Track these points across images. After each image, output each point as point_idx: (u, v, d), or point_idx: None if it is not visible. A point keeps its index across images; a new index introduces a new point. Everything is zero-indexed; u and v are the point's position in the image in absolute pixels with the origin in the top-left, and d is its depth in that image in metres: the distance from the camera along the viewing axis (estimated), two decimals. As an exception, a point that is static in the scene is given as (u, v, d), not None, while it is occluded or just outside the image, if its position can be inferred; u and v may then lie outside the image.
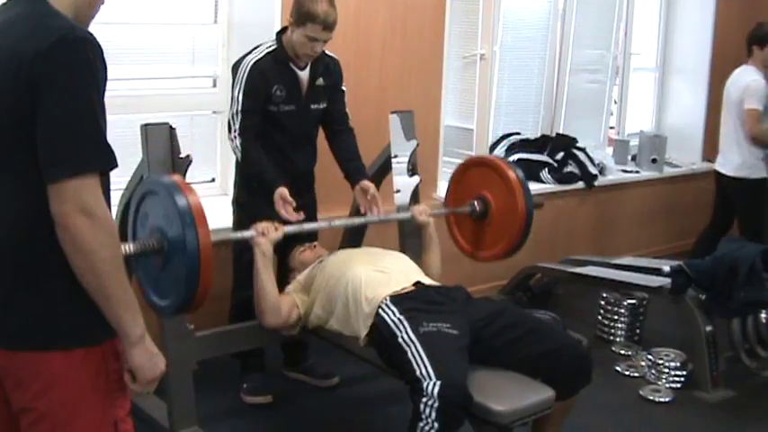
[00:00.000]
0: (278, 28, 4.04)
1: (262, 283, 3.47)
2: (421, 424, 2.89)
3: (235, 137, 3.71)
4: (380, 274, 3.47)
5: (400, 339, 3.12)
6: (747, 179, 5.51)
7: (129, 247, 2.62)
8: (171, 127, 3.48)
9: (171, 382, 3.41)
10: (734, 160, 5.55)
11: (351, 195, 4.27)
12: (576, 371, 3.26)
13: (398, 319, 3.19)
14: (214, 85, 4.61)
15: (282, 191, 3.59)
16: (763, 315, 4.36)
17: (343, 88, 4.05)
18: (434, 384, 2.89)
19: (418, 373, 2.96)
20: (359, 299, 3.38)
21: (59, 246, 1.81)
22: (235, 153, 3.77)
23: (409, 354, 3.05)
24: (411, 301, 3.31)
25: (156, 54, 4.43)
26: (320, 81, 3.90)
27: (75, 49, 1.81)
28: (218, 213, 4.11)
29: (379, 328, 3.25)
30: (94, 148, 1.82)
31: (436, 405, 2.87)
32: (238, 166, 3.97)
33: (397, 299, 3.31)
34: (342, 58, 4.17)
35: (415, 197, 4.30)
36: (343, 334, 3.50)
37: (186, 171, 3.49)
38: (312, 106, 3.92)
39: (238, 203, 4.03)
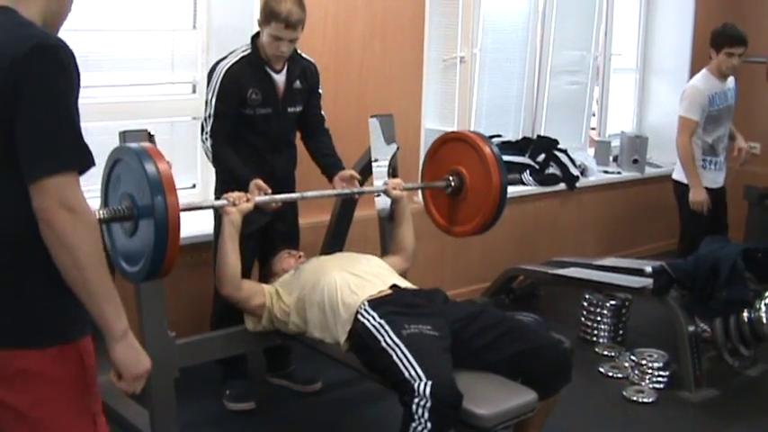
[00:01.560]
0: (256, 33, 4.05)
1: (225, 252, 3.48)
2: (414, 425, 2.88)
3: (206, 138, 3.73)
4: (356, 279, 3.46)
5: (384, 344, 3.11)
6: (683, 183, 5.26)
7: (100, 213, 2.68)
8: (149, 133, 3.46)
9: (152, 389, 3.38)
10: (677, 163, 5.35)
11: (333, 201, 4.29)
12: (556, 369, 3.27)
13: (379, 323, 3.18)
14: (194, 91, 4.59)
15: (257, 181, 3.60)
16: (745, 314, 4.37)
17: (320, 91, 4.06)
18: (425, 384, 2.88)
19: (407, 375, 2.95)
20: (336, 304, 3.37)
21: (39, 246, 1.86)
22: (207, 155, 3.79)
23: (395, 357, 3.04)
24: (389, 305, 3.30)
25: (135, 60, 4.40)
26: (297, 84, 3.90)
27: (51, 55, 1.88)
28: (199, 219, 4.10)
29: (360, 333, 3.24)
30: (74, 148, 1.89)
31: (429, 405, 2.86)
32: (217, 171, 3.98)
33: (375, 303, 3.30)
34: (321, 63, 4.16)
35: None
36: (324, 341, 3.49)
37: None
38: (289, 109, 3.91)
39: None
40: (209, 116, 3.72)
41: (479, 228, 4.04)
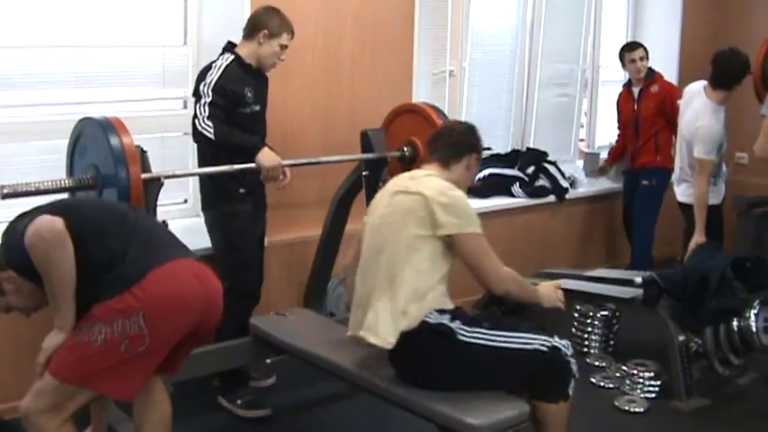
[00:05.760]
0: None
1: None
2: (573, 382, 3.14)
3: (203, 120, 3.84)
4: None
5: (475, 337, 3.12)
6: (689, 204, 5.17)
7: (65, 182, 2.84)
8: (142, 149, 3.49)
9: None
10: (680, 184, 5.32)
11: (318, 212, 4.34)
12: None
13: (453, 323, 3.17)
14: (184, 107, 4.62)
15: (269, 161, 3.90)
16: (735, 323, 4.40)
17: None
18: (560, 344, 3.12)
19: (537, 345, 3.10)
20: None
21: None
22: (206, 133, 3.83)
23: (500, 342, 3.10)
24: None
25: (126, 76, 4.44)
26: (265, 87, 4.21)
27: None
28: (191, 235, 4.11)
29: (429, 330, 3.14)
30: None
31: (570, 350, 3.15)
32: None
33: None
34: (311, 77, 4.24)
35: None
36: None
37: (158, 193, 3.51)
38: (267, 108, 4.22)
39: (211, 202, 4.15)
40: (205, 104, 3.86)
41: None
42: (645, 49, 6.07)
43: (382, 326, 3.11)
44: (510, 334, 3.13)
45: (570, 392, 3.16)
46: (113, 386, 2.78)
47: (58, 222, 2.65)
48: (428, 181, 3.25)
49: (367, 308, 3.21)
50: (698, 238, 4.96)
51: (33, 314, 2.98)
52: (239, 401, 4.09)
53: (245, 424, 4.03)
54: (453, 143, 3.42)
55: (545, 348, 3.11)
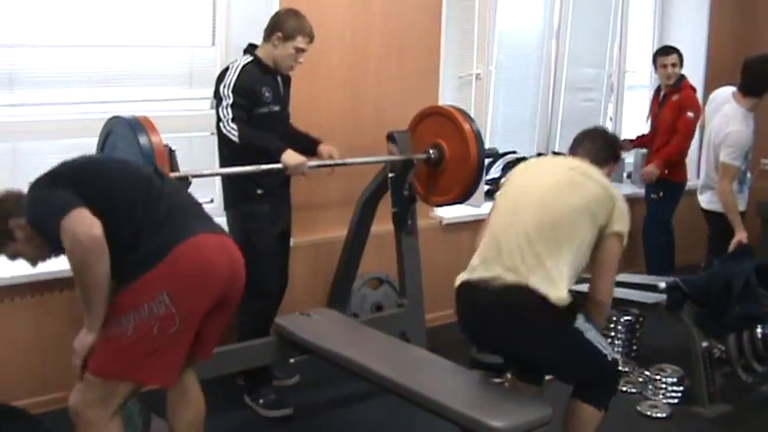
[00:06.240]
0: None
1: None
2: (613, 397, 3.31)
3: (228, 122, 3.93)
4: None
5: (587, 329, 3.23)
6: (714, 212, 5.20)
7: None
8: (170, 148, 3.53)
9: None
10: (705, 191, 5.30)
11: (343, 212, 4.42)
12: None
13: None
14: (211, 107, 4.62)
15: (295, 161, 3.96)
16: (758, 330, 4.39)
17: None
18: (618, 359, 3.31)
19: (609, 352, 3.26)
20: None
21: None
22: (231, 136, 3.92)
23: (594, 341, 3.22)
24: None
25: (154, 76, 4.47)
26: (286, 86, 4.23)
27: None
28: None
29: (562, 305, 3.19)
30: None
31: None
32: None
33: None
34: (338, 76, 4.26)
35: (413, 216, 4.41)
36: None
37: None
38: (288, 109, 4.26)
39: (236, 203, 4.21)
40: (227, 106, 3.94)
41: (457, 198, 4.47)
42: (679, 55, 6.00)
43: (560, 283, 3.15)
44: (599, 336, 3.27)
45: (609, 405, 3.29)
46: (154, 374, 2.82)
47: (96, 227, 2.64)
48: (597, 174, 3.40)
49: (530, 262, 3.18)
50: (740, 235, 4.87)
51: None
52: (261, 401, 4.13)
53: (268, 422, 4.07)
54: (609, 144, 3.60)
55: (610, 358, 3.24)
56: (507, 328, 3.24)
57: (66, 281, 3.66)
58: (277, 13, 4.14)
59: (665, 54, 6.02)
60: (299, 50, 4.07)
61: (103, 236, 2.65)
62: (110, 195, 2.80)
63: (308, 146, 4.27)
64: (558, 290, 3.12)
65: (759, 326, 4.38)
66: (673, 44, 6.32)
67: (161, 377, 2.86)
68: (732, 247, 4.84)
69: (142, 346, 2.75)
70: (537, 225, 3.21)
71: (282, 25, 4.04)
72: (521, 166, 3.60)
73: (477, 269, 3.29)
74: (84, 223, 2.65)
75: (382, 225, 4.63)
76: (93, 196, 2.72)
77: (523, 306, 3.17)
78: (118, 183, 2.89)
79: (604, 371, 3.24)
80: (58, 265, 3.01)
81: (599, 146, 3.54)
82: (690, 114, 5.79)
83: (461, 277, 3.35)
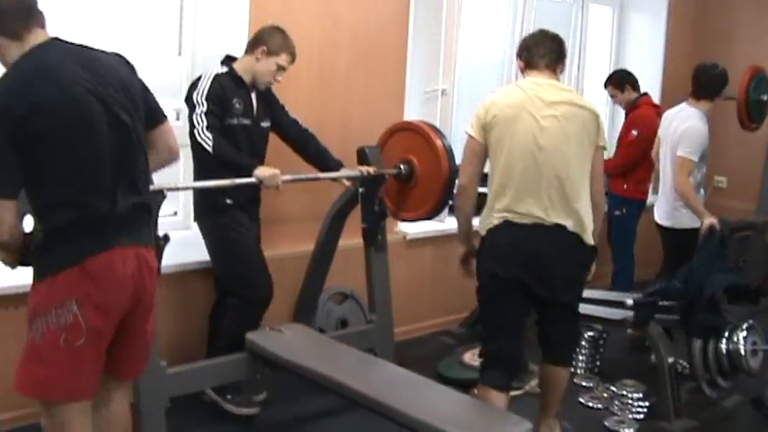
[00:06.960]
0: (244, 61, 4.17)
1: None
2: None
3: (203, 130, 3.89)
4: None
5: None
6: (666, 228, 5.25)
7: None
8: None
9: (143, 419, 3.36)
10: (661, 206, 5.29)
11: (309, 227, 4.49)
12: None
13: None
14: (177, 118, 4.57)
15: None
16: (723, 345, 4.45)
17: (282, 103, 4.30)
18: None
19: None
20: None
21: None
22: (205, 145, 3.87)
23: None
24: None
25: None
26: (262, 102, 4.21)
27: None
28: (181, 247, 4.10)
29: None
30: None
31: None
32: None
33: None
34: (306, 93, 4.28)
35: (383, 232, 4.40)
36: None
37: (161, 206, 3.50)
38: (262, 123, 4.20)
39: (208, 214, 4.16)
40: (201, 113, 3.90)
41: (428, 213, 4.48)
42: (615, 83, 6.09)
43: (588, 225, 3.56)
44: None
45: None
46: (65, 388, 2.59)
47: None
48: (576, 95, 3.74)
49: (557, 205, 3.48)
50: (708, 220, 4.82)
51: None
52: (229, 396, 4.08)
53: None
54: (556, 49, 3.75)
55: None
56: (555, 255, 3.52)
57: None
58: (263, 28, 4.12)
59: (605, 87, 6.20)
60: (281, 68, 4.09)
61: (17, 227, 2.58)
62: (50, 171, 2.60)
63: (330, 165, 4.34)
64: (588, 236, 3.55)
65: (724, 341, 4.46)
66: (629, 61, 6.40)
67: (72, 391, 2.61)
68: (704, 230, 4.81)
69: (50, 357, 2.55)
70: (563, 172, 3.47)
71: (268, 40, 4.05)
72: (507, 105, 3.60)
73: (517, 212, 3.50)
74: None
75: (347, 239, 4.61)
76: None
77: (567, 243, 3.53)
78: (63, 162, 2.65)
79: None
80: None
81: (549, 51, 3.73)
82: (634, 132, 5.84)
83: (499, 216, 3.53)
